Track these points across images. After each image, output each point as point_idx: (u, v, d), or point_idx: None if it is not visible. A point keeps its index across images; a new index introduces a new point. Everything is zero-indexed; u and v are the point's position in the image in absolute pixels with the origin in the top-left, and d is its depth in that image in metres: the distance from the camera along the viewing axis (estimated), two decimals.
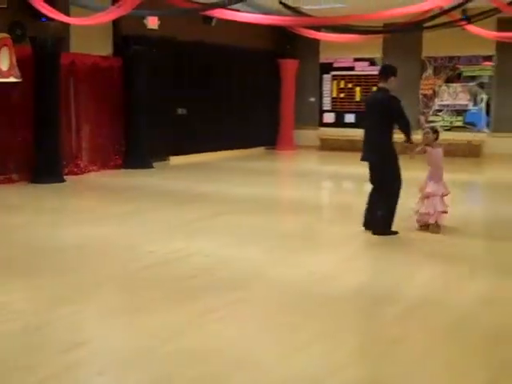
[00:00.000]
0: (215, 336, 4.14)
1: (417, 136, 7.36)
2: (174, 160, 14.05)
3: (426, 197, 7.26)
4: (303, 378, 3.54)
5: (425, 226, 7.27)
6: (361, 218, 7.19)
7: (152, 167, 13.10)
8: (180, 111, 14.41)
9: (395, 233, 7.14)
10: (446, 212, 7.25)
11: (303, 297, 4.95)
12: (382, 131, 7.03)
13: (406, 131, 7.00)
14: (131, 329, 4.27)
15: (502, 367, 3.65)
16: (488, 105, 15.59)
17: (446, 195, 7.31)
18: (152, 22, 13.27)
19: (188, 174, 12.55)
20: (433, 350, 3.93)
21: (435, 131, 7.45)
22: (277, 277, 5.47)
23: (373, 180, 7.23)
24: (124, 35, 12.77)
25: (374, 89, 7.19)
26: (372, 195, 7.25)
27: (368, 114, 7.24)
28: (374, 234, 7.10)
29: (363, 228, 7.23)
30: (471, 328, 4.32)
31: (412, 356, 3.85)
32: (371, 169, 7.21)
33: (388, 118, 7.00)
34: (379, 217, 7.08)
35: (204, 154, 14.75)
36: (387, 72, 7.19)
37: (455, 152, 15.16)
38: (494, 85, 15.51)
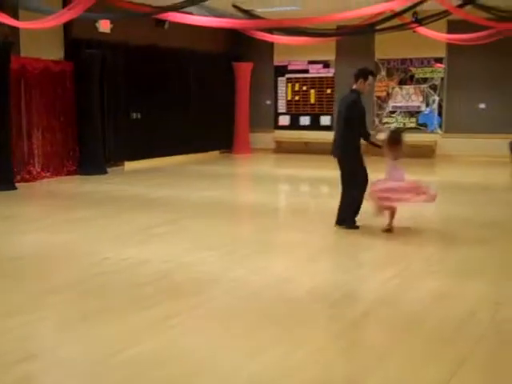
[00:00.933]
0: (173, 343, 4.08)
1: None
2: (129, 165, 13.89)
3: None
4: (261, 382, 3.51)
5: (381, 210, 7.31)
6: (317, 220, 7.23)
7: (106, 173, 12.91)
8: (134, 116, 14.27)
9: (356, 227, 7.34)
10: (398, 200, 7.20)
11: (260, 301, 4.93)
12: (345, 129, 7.35)
13: (366, 137, 7.41)
14: (87, 338, 4.17)
15: (459, 363, 3.68)
16: (440, 106, 15.85)
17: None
18: (104, 26, 13.10)
19: (143, 179, 12.42)
20: (390, 349, 3.95)
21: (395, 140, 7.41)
22: (234, 281, 5.43)
23: (341, 175, 7.58)
24: (75, 39, 12.57)
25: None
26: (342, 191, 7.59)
27: (337, 113, 7.66)
28: (336, 223, 7.40)
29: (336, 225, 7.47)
30: (426, 326, 4.36)
31: (370, 357, 3.86)
32: (339, 165, 7.55)
33: (353, 119, 7.29)
34: (342, 209, 7.39)
35: (159, 158, 14.63)
36: (358, 75, 7.46)
37: (409, 153, 15.36)
38: (446, 86, 15.76)
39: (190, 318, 4.55)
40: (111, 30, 13.24)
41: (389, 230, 7.28)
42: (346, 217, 7.46)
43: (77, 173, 12.66)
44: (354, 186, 7.42)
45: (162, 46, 14.47)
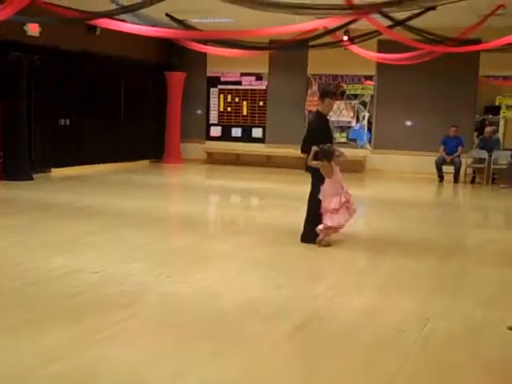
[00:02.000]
0: (101, 357, 3.97)
1: None
2: (57, 172, 13.55)
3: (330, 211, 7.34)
4: None
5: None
6: (248, 232, 7.21)
7: (32, 179, 12.54)
8: (63, 122, 13.95)
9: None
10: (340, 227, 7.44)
11: (192, 315, 4.86)
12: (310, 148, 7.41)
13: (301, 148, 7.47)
14: (9, 351, 4.01)
15: (388, 379, 3.73)
16: (369, 122, 16.19)
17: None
18: (33, 29, 12.77)
19: (71, 187, 12.13)
20: (321, 366, 3.96)
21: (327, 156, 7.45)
22: (165, 293, 5.34)
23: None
24: (2, 41, 12.20)
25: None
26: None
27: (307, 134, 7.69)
28: (301, 241, 7.47)
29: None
30: (356, 342, 4.39)
31: (302, 373, 3.86)
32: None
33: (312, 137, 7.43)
34: (308, 226, 7.44)
35: (88, 166, 14.34)
36: (321, 94, 7.72)
37: (340, 167, 15.61)
38: (375, 103, 16.12)
39: (118, 332, 4.44)
40: (40, 33, 12.92)
41: (328, 244, 7.38)
42: (309, 239, 7.46)
43: (1, 178, 12.25)
44: (314, 204, 7.43)
45: (93, 52, 14.23)
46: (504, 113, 15.33)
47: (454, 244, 8.11)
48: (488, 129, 15.14)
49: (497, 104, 15.37)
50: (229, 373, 3.79)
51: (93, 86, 14.65)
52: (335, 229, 7.42)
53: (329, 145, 7.37)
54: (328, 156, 7.34)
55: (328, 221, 7.28)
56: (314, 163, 7.31)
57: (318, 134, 7.49)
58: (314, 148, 7.29)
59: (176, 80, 16.84)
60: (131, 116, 15.95)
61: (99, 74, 14.77)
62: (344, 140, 16.16)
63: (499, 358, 4.19)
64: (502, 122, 15.74)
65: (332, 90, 7.74)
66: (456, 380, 3.83)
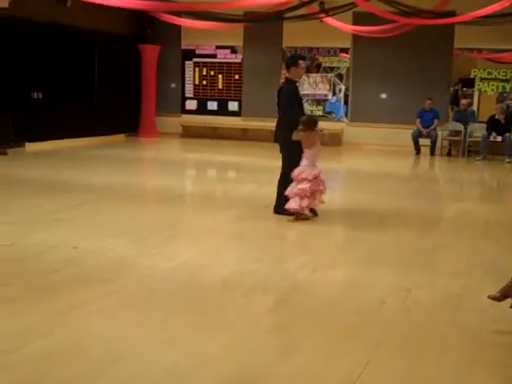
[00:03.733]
0: (84, 333, 3.94)
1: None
2: (31, 146, 13.34)
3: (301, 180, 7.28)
4: (176, 372, 3.45)
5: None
6: (227, 206, 7.19)
7: (6, 154, 12.35)
8: (35, 95, 13.72)
9: (291, 213, 7.31)
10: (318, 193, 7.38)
11: (174, 288, 4.85)
12: (283, 118, 7.45)
13: (285, 121, 7.33)
14: None
15: (374, 347, 3.76)
16: (346, 95, 16.17)
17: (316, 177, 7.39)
18: (1, 0, 12.46)
19: (46, 162, 11.97)
20: (305, 338, 3.98)
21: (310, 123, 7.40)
22: (146, 268, 5.31)
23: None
24: None
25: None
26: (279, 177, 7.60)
27: (278, 103, 7.63)
28: (274, 212, 7.44)
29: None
30: (339, 314, 4.42)
31: (285, 345, 3.87)
32: (280, 151, 7.56)
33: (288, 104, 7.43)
34: (281, 198, 7.36)
35: (63, 140, 14.13)
36: (287, 63, 7.74)
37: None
38: (351, 76, 16.09)
39: (100, 307, 4.40)
40: (9, 4, 12.59)
41: (307, 218, 7.38)
42: (282, 210, 7.40)
43: None
44: (288, 174, 7.32)
45: (64, 23, 13.92)
46: (479, 85, 15.43)
47: (431, 216, 8.18)
48: (463, 101, 15.24)
49: (472, 76, 15.46)
50: (211, 347, 3.79)
51: (65, 59, 14.38)
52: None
53: (315, 115, 7.38)
54: (312, 125, 7.29)
55: (292, 202, 7.18)
56: (300, 134, 7.20)
57: (292, 101, 7.47)
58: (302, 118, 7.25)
59: (150, 53, 16.62)
60: (105, 89, 15.73)
61: (71, 46, 14.51)
62: (320, 113, 16.13)
63: (478, 326, 4.25)
64: (476, 95, 15.87)
65: (299, 55, 7.77)
66: (437, 348, 3.88)
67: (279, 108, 7.58)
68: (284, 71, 16.38)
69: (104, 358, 3.60)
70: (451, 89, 15.68)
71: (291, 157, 7.36)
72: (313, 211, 7.46)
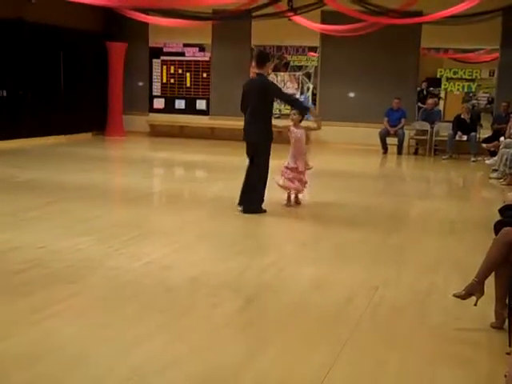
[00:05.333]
0: (49, 333, 3.89)
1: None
2: None
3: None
4: (143, 372, 3.41)
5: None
6: (194, 206, 7.15)
7: None
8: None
9: (264, 211, 7.53)
10: (303, 185, 8.11)
11: (141, 288, 4.80)
12: (261, 114, 7.44)
13: (296, 102, 8.19)
14: None
15: (341, 346, 3.76)
16: (314, 94, 16.21)
17: (308, 169, 8.28)
18: None
19: (11, 161, 11.76)
20: (273, 337, 3.97)
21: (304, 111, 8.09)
22: (113, 268, 5.25)
23: (251, 160, 7.59)
24: None
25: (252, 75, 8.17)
26: (249, 174, 7.60)
27: (247, 99, 7.51)
28: (245, 212, 7.46)
29: (238, 206, 7.60)
30: (306, 312, 4.43)
31: (253, 345, 3.85)
32: (251, 149, 7.56)
33: (267, 102, 7.51)
34: (255, 196, 7.51)
35: (28, 139, 13.91)
36: (263, 59, 7.57)
37: (285, 139, 15.63)
38: (319, 75, 16.13)
39: (66, 308, 4.34)
40: None
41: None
42: (257, 209, 7.57)
43: None
44: (265, 172, 7.53)
45: (29, 20, 13.71)
46: (445, 85, 15.60)
47: (399, 214, 8.24)
48: (430, 101, 15.39)
49: (438, 76, 15.62)
50: (177, 347, 3.76)
51: (30, 57, 14.17)
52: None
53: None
54: (305, 112, 8.03)
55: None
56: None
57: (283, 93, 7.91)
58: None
59: (117, 50, 16.44)
60: (72, 87, 15.54)
61: (37, 43, 14.28)
62: (289, 112, 16.09)
63: (443, 323, 4.29)
64: (443, 94, 16.05)
65: (268, 53, 7.99)
66: (403, 345, 3.91)
67: (256, 102, 7.37)
68: (255, 70, 16.46)
69: (70, 359, 3.55)
70: (419, 89, 15.83)
71: (269, 153, 7.49)
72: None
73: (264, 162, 7.50)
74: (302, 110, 8.02)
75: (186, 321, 4.21)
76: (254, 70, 7.74)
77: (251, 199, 7.53)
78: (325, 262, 5.75)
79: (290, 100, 8.32)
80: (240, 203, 7.61)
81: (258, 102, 7.39)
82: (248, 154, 7.63)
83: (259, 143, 7.48)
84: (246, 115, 7.57)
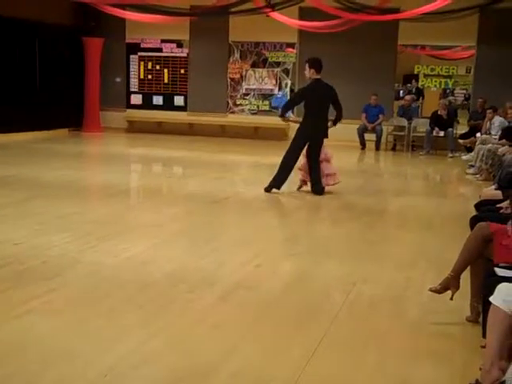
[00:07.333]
0: (26, 331, 3.84)
1: None
2: None
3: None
4: (121, 367, 3.39)
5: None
6: (171, 202, 7.10)
7: None
8: None
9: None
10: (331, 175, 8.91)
11: (119, 284, 4.77)
12: (327, 115, 8.85)
13: (341, 111, 8.90)
14: None
15: (317, 342, 3.77)
16: (292, 90, 16.20)
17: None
18: None
19: None
20: (250, 333, 3.97)
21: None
22: (90, 264, 5.21)
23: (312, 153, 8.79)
24: None
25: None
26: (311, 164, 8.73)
27: (319, 102, 8.60)
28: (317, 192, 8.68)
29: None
30: (284, 309, 4.42)
31: (230, 341, 3.84)
32: (315, 144, 8.78)
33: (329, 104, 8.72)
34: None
35: (3, 135, 13.74)
36: (321, 65, 8.64)
37: (262, 135, 15.66)
38: (297, 71, 16.13)
39: (42, 304, 4.29)
40: None
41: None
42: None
43: None
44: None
45: (4, 15, 13.54)
46: (422, 81, 15.70)
47: (377, 210, 8.28)
48: (407, 97, 15.48)
49: (415, 73, 15.72)
50: (153, 344, 3.73)
51: (5, 51, 14.00)
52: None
53: None
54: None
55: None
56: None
57: None
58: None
59: (93, 46, 16.29)
60: (47, 83, 15.38)
61: (11, 38, 14.12)
62: (267, 108, 16.15)
63: (419, 317, 4.32)
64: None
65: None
66: (379, 340, 3.92)
67: (327, 105, 8.70)
68: (232, 66, 16.49)
69: (45, 356, 3.51)
70: (396, 85, 15.91)
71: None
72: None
73: (318, 154, 8.71)
74: (340, 118, 8.98)
75: (163, 316, 4.19)
76: (313, 76, 8.55)
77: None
78: (302, 257, 5.76)
79: (341, 107, 8.89)
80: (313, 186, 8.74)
81: (327, 105, 8.63)
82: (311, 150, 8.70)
83: (321, 140, 8.72)
84: (312, 116, 8.60)
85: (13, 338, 3.74)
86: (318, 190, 8.68)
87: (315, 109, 8.57)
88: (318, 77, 8.56)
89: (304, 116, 8.78)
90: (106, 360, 3.48)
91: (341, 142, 14.99)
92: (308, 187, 8.89)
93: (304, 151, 8.80)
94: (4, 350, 3.56)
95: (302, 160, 8.88)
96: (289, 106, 9.12)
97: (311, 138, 8.66)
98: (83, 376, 3.31)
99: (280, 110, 9.18)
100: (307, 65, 8.65)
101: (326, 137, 8.81)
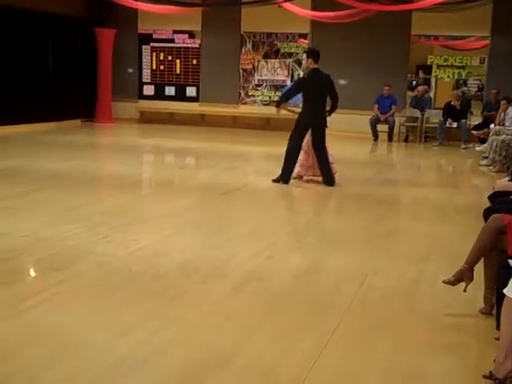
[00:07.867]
0: (36, 321, 3.85)
1: None
2: None
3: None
4: (134, 359, 3.39)
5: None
6: (184, 192, 7.09)
7: None
8: None
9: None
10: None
11: (129, 276, 4.76)
12: (324, 104, 8.83)
13: (337, 101, 8.88)
14: None
15: (330, 334, 3.75)
16: None
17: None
18: None
19: None
20: (262, 324, 3.96)
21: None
22: (101, 255, 5.21)
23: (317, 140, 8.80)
24: None
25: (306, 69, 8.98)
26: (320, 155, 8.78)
27: (318, 91, 8.67)
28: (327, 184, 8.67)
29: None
30: (296, 300, 4.40)
31: (243, 332, 3.83)
32: (317, 131, 8.77)
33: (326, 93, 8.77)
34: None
35: (16, 126, 13.79)
36: (319, 55, 8.74)
37: (274, 126, 15.60)
38: None
39: (53, 295, 4.30)
40: None
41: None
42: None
43: None
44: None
45: (17, 7, 13.57)
46: (435, 72, 15.58)
47: (389, 201, 8.23)
48: (420, 88, 15.37)
49: (428, 63, 15.60)
50: (166, 335, 3.73)
51: (18, 43, 14.03)
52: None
53: None
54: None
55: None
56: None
57: None
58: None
59: (106, 37, 16.30)
60: (60, 74, 15.40)
61: (25, 30, 14.14)
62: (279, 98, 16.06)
63: (432, 309, 4.29)
64: (433, 81, 16.03)
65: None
66: (393, 333, 3.90)
67: (325, 94, 8.73)
68: (245, 57, 16.43)
69: (56, 346, 3.52)
70: (409, 76, 15.80)
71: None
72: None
73: (322, 141, 8.72)
74: (336, 107, 8.94)
75: (175, 308, 4.19)
76: (311, 66, 8.62)
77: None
78: (314, 249, 5.74)
79: (337, 96, 8.86)
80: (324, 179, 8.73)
81: (325, 93, 8.68)
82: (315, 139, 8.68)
83: (322, 127, 8.69)
84: (312, 104, 8.60)
85: (22, 330, 3.74)
86: (329, 181, 8.65)
87: (314, 98, 8.67)
88: (316, 66, 8.65)
89: (303, 105, 8.82)
90: (117, 351, 3.47)
91: (353, 134, 14.97)
92: (302, 181, 8.95)
93: (306, 147, 8.76)
94: (14, 342, 3.56)
95: (301, 155, 8.83)
96: (288, 96, 9.30)
97: (311, 125, 8.67)
98: (94, 367, 3.31)
99: (279, 98, 9.48)
100: (305, 55, 8.86)
101: (326, 126, 8.81)
